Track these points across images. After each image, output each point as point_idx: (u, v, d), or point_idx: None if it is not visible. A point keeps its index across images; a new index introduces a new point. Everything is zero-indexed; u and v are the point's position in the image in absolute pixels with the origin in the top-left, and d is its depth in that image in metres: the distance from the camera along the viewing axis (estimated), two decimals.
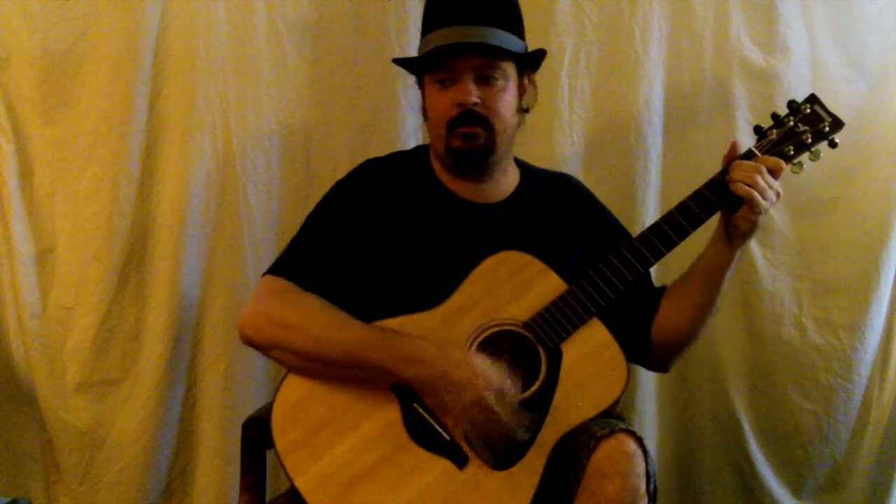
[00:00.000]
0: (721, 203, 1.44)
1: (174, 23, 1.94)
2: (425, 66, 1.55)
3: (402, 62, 1.64)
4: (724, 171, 1.44)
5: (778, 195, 1.42)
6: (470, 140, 1.50)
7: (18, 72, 1.93)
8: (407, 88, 1.93)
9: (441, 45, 1.49)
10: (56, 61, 1.93)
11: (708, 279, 1.50)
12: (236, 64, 1.97)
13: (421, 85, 1.60)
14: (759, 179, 1.39)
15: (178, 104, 1.96)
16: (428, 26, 1.56)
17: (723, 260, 1.48)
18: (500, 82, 1.51)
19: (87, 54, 1.94)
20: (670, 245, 1.45)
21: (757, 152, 1.44)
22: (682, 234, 1.45)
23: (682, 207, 1.45)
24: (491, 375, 1.34)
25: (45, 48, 1.92)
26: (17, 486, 2.01)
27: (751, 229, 1.43)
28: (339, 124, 2.02)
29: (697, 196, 1.46)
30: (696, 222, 1.45)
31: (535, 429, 1.35)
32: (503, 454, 1.35)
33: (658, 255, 1.45)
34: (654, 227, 1.46)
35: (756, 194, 1.38)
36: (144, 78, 1.93)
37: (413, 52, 1.96)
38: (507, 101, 1.53)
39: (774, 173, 1.42)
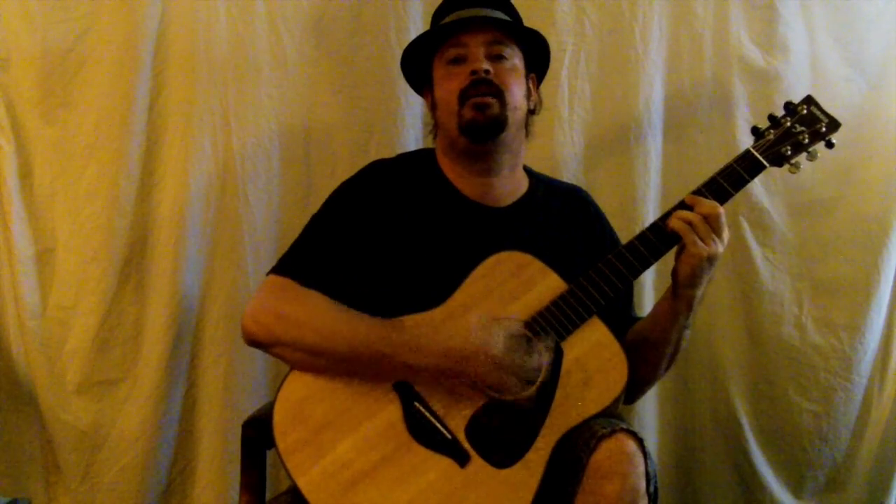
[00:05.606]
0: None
1: (174, 23, 1.94)
2: (435, 49, 1.56)
3: (408, 53, 1.62)
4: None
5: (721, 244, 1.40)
6: (483, 110, 1.49)
7: (18, 72, 1.92)
8: (407, 88, 1.92)
9: (450, 21, 1.51)
10: (56, 61, 1.92)
11: (655, 324, 1.51)
12: (236, 64, 1.96)
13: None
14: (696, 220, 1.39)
15: (178, 104, 1.96)
16: (437, 19, 1.60)
17: (669, 307, 1.46)
18: (510, 62, 1.53)
19: (87, 54, 1.93)
20: (671, 243, 1.44)
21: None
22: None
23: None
24: (488, 337, 1.35)
25: (45, 48, 1.91)
26: (17, 486, 2.01)
27: (691, 275, 1.40)
28: (339, 124, 2.02)
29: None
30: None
31: (537, 425, 1.35)
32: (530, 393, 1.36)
33: (657, 254, 1.44)
34: (654, 226, 1.45)
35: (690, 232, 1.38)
36: (144, 78, 1.93)
37: None
38: (517, 81, 1.54)
39: (710, 218, 1.40)
